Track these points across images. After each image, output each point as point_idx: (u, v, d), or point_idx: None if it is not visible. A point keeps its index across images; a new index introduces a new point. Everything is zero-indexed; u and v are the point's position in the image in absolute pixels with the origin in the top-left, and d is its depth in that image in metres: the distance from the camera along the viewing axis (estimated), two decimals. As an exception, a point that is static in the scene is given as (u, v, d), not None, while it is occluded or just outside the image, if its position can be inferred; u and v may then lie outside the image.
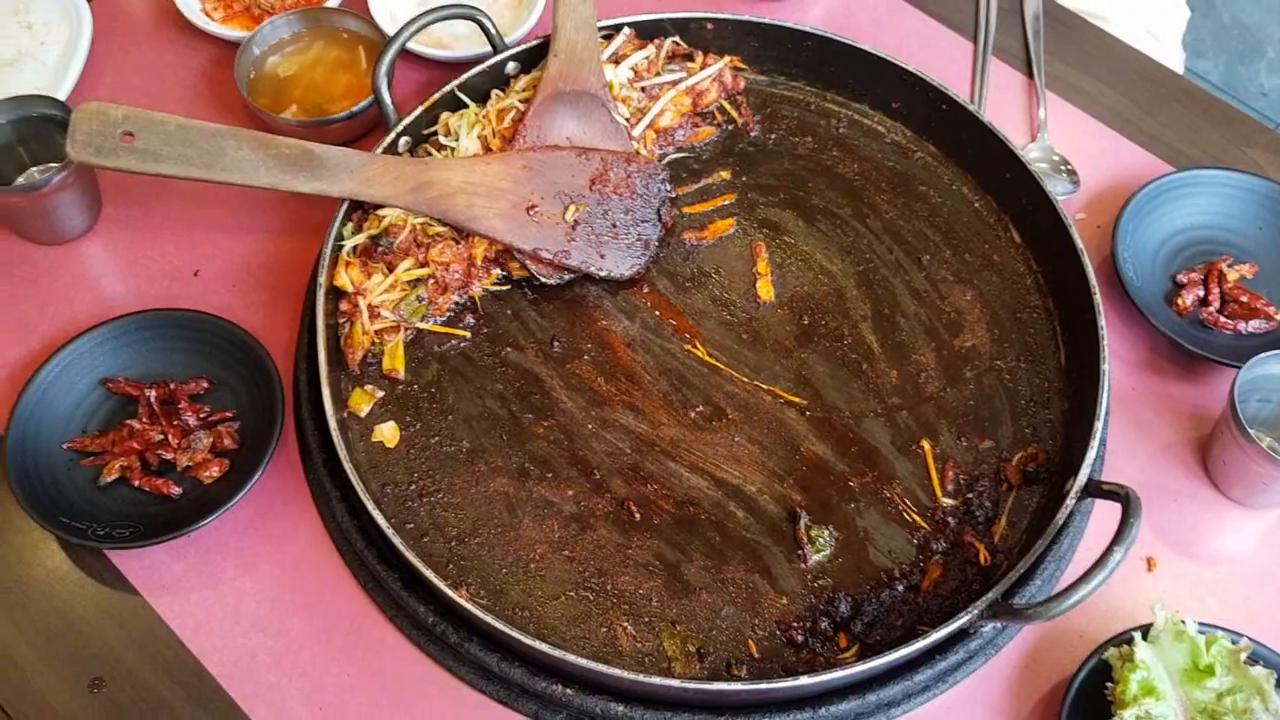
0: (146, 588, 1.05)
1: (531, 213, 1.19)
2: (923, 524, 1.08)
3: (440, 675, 1.01)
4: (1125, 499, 0.97)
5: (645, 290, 1.23)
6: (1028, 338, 1.20)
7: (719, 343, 1.19)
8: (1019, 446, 1.13)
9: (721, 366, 1.17)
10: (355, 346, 1.13)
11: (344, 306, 1.13)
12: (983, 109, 1.38)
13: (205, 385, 1.12)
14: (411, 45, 1.28)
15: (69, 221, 1.22)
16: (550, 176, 1.21)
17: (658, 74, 1.32)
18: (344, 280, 1.12)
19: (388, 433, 1.11)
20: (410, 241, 1.16)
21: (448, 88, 1.24)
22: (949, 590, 1.04)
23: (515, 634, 0.94)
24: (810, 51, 1.35)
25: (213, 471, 1.07)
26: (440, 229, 1.17)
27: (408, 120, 1.21)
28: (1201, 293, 1.24)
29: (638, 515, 1.08)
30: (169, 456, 1.08)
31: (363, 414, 1.12)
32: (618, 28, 1.31)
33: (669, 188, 1.27)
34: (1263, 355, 1.10)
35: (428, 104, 1.23)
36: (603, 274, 1.21)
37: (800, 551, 1.06)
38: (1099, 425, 1.05)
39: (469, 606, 0.95)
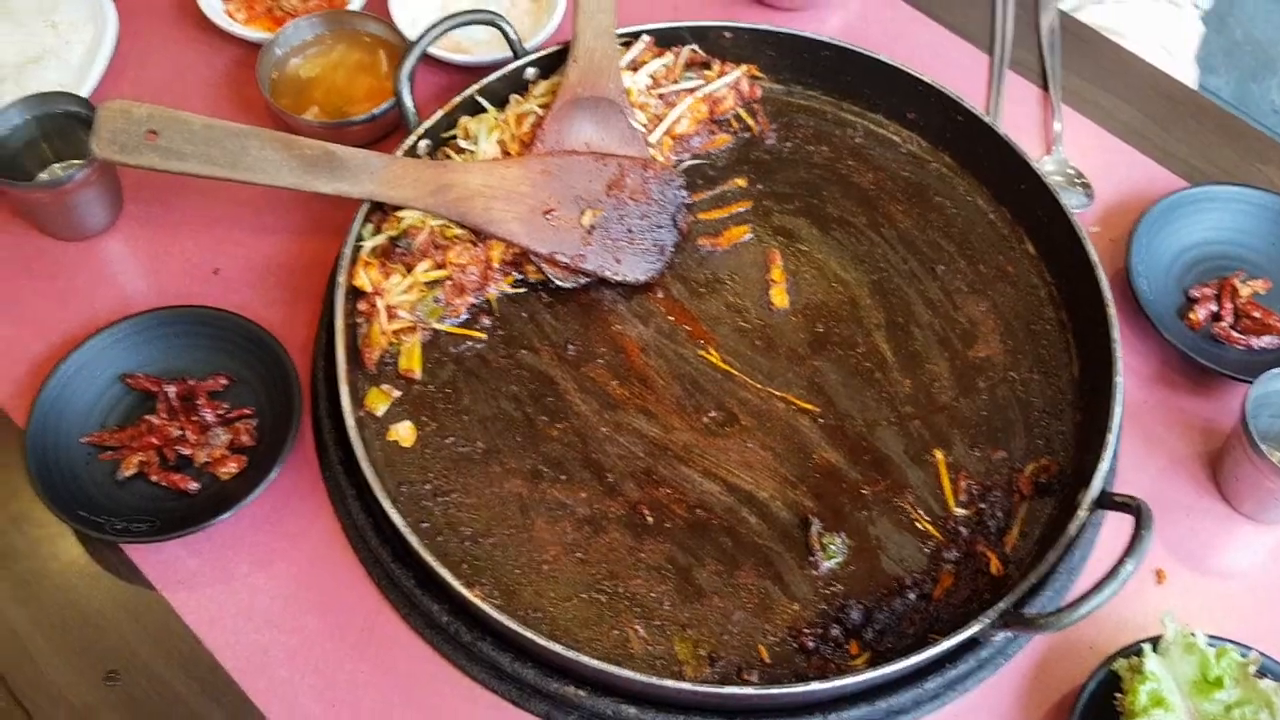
0: (162, 582, 1.05)
1: (548, 217, 1.20)
2: (935, 533, 1.09)
3: (453, 674, 1.02)
4: (1137, 511, 0.97)
5: (660, 295, 1.24)
6: (1041, 349, 1.20)
7: (732, 349, 1.20)
8: (1031, 458, 1.13)
9: (735, 372, 1.18)
10: (373, 346, 1.14)
11: (362, 307, 1.14)
12: (998, 121, 1.38)
13: (224, 382, 1.13)
14: (431, 49, 1.29)
15: (91, 218, 1.23)
16: (568, 181, 1.22)
17: (675, 81, 1.33)
18: (363, 280, 1.13)
19: (404, 432, 1.12)
20: (428, 243, 1.17)
21: (468, 92, 1.25)
22: (960, 599, 1.05)
23: (529, 634, 0.94)
24: (827, 61, 1.35)
25: (230, 468, 1.08)
26: (458, 231, 1.18)
27: (428, 124, 1.22)
28: (1214, 308, 1.25)
29: (650, 519, 1.09)
30: (187, 452, 1.09)
31: (379, 413, 1.12)
32: (636, 35, 1.32)
33: (685, 194, 1.28)
34: (1275, 371, 1.11)
35: (448, 108, 1.24)
36: (618, 278, 1.22)
37: (812, 558, 1.07)
38: (1112, 438, 1.06)
39: (483, 606, 0.96)
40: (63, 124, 1.22)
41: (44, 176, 1.23)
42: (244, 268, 1.24)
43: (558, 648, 0.94)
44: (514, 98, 1.28)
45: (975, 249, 1.27)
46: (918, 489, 1.11)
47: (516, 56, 1.29)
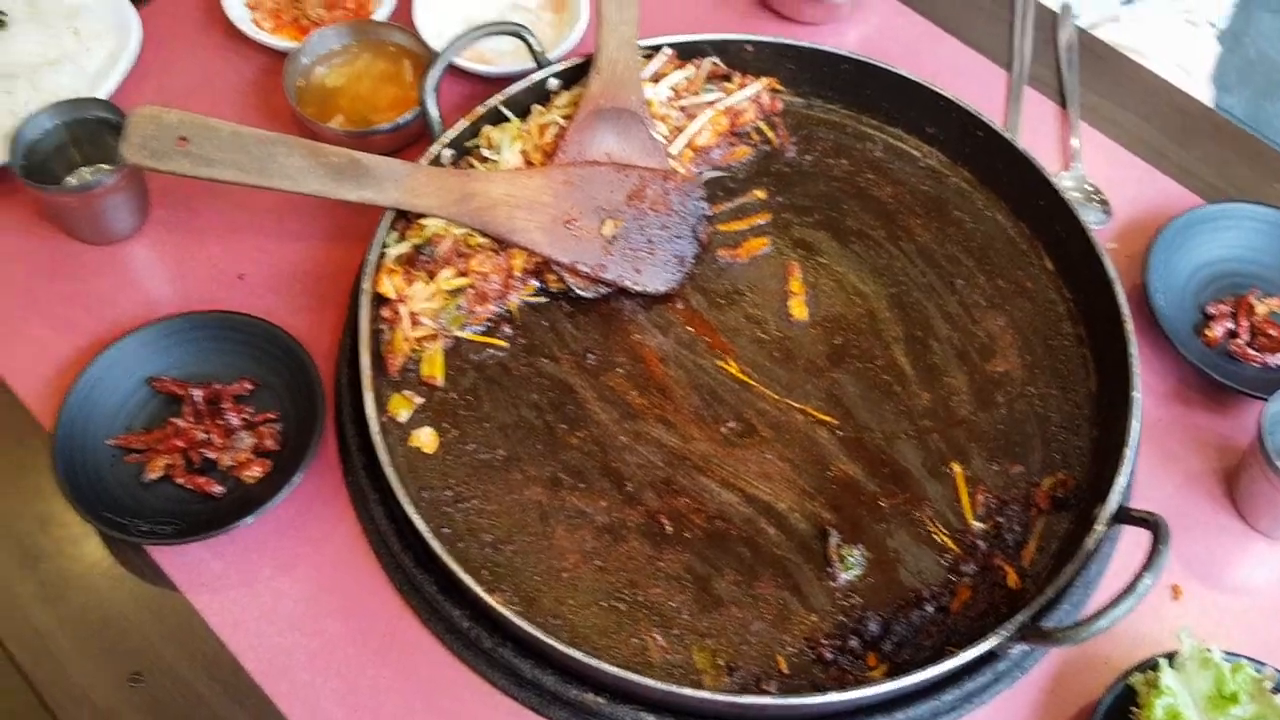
0: (186, 584, 1.06)
1: (570, 226, 1.21)
2: (952, 546, 1.09)
3: (473, 680, 1.03)
4: (1155, 527, 0.98)
5: (679, 306, 1.24)
6: (1059, 364, 1.21)
7: (751, 360, 1.21)
8: (1049, 472, 1.14)
9: (753, 384, 1.19)
10: (396, 353, 1.15)
11: (386, 313, 1.15)
12: (1017, 136, 1.39)
13: (249, 386, 1.14)
14: (454, 59, 1.30)
15: (118, 223, 1.24)
16: (589, 191, 1.23)
17: (696, 94, 1.34)
18: (387, 287, 1.14)
19: (425, 438, 1.13)
20: (451, 251, 1.18)
21: (492, 102, 1.26)
22: (978, 612, 1.05)
23: (550, 640, 0.95)
24: (847, 75, 1.37)
25: (254, 471, 1.09)
26: (481, 240, 1.19)
27: (452, 133, 1.23)
28: (1231, 325, 1.26)
29: (669, 528, 1.09)
30: (212, 455, 1.10)
31: (402, 419, 1.13)
32: (658, 48, 1.33)
33: (705, 205, 1.29)
34: (1292, 388, 1.11)
35: (472, 118, 1.25)
36: (638, 289, 1.23)
37: (830, 570, 1.07)
38: (1129, 453, 1.06)
39: (504, 611, 0.97)
40: (93, 129, 1.23)
41: (72, 181, 1.25)
42: (269, 274, 1.25)
43: (579, 654, 0.95)
44: (536, 108, 1.30)
45: (994, 264, 1.28)
46: (936, 502, 1.12)
47: (539, 67, 1.30)
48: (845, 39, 1.50)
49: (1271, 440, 1.09)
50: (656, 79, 1.32)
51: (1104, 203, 1.36)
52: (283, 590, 1.06)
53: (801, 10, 1.50)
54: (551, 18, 1.48)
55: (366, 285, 1.13)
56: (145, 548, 1.08)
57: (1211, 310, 1.27)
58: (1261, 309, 1.26)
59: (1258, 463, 1.09)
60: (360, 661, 1.03)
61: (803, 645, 1.04)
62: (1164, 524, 0.98)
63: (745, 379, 1.19)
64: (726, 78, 1.36)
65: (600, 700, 0.98)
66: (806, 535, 1.09)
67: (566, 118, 1.26)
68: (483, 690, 1.02)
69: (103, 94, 1.32)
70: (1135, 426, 1.08)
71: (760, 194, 1.33)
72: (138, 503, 1.07)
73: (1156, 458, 1.19)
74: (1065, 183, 1.36)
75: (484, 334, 1.20)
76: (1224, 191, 1.39)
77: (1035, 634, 0.96)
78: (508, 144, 1.25)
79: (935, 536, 1.10)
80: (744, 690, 1.01)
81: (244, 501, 1.07)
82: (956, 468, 1.14)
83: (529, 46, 1.29)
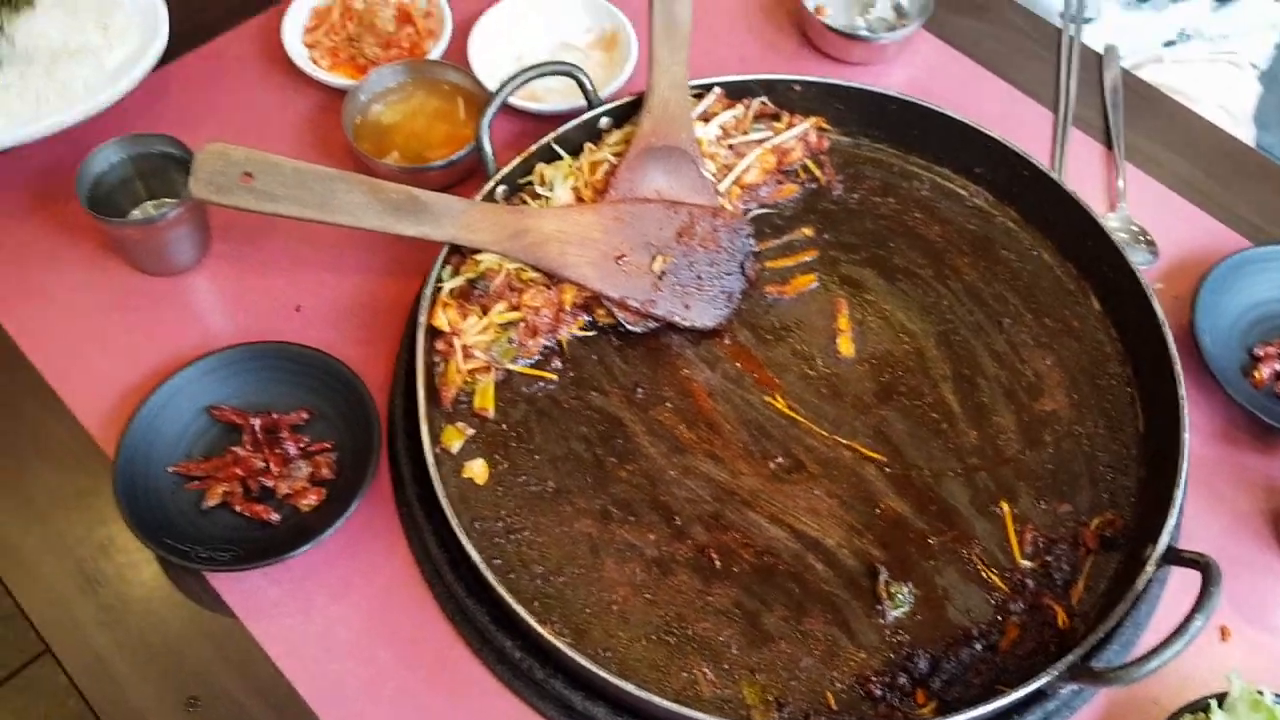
0: (242, 610, 1.08)
1: (620, 262, 1.23)
2: (1001, 585, 1.10)
3: (524, 711, 1.04)
4: (1205, 568, 0.98)
5: (727, 341, 1.26)
6: (1106, 404, 1.21)
7: (799, 396, 1.22)
8: (1097, 512, 1.14)
9: (801, 420, 1.20)
10: (449, 385, 1.17)
11: (440, 346, 1.17)
12: (1063, 177, 1.40)
13: (305, 416, 1.16)
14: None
15: (181, 255, 1.27)
16: (639, 228, 1.25)
17: (745, 133, 1.36)
18: (441, 321, 1.16)
19: (477, 469, 1.14)
20: (504, 286, 1.20)
21: (545, 140, 1.29)
22: (1026, 651, 1.05)
23: (601, 673, 0.96)
24: (894, 115, 1.38)
25: (310, 500, 1.11)
26: (533, 274, 1.21)
27: (506, 170, 1.26)
28: (1278, 366, 1.26)
29: (718, 563, 1.10)
30: (269, 484, 1.12)
31: (454, 450, 1.15)
32: (708, 87, 1.36)
33: (753, 242, 1.30)
34: (1343, 431, 1.11)
35: (525, 155, 1.28)
36: (686, 324, 1.25)
37: (879, 607, 1.08)
38: (1179, 494, 1.06)
39: (556, 642, 0.98)
40: (157, 163, 1.26)
41: (137, 214, 1.28)
42: (326, 307, 1.27)
43: (631, 687, 0.96)
44: (588, 146, 1.32)
45: (1041, 303, 1.29)
46: (984, 540, 1.12)
47: (591, 106, 1.32)
48: (892, 79, 1.52)
49: (1322, 483, 1.09)
50: (706, 118, 1.34)
51: (1150, 243, 1.36)
52: (336, 617, 1.08)
53: (849, 51, 1.52)
54: (601, 56, 1.51)
55: (422, 318, 1.15)
56: (203, 574, 1.10)
57: (1259, 352, 1.27)
58: (1309, 351, 1.26)
59: (1308, 505, 1.09)
60: (413, 690, 1.04)
61: (851, 682, 1.04)
62: (1215, 565, 0.98)
63: (793, 415, 1.20)
64: (775, 117, 1.38)
65: (650, 733, 0.99)
66: (855, 572, 1.10)
67: (618, 155, 1.28)
68: (534, 721, 1.04)
69: (117, 92, 1.30)
70: (1184, 467, 1.09)
71: (807, 231, 1.34)
72: (196, 529, 1.09)
73: (1204, 498, 1.18)
74: (1111, 223, 1.37)
75: (535, 367, 1.22)
76: (1267, 232, 1.39)
77: (1086, 674, 0.97)
78: (560, 181, 1.27)
79: (984, 574, 1.10)
80: (793, 725, 1.01)
81: (299, 529, 1.09)
82: (1005, 506, 1.14)
83: (581, 86, 1.31)
